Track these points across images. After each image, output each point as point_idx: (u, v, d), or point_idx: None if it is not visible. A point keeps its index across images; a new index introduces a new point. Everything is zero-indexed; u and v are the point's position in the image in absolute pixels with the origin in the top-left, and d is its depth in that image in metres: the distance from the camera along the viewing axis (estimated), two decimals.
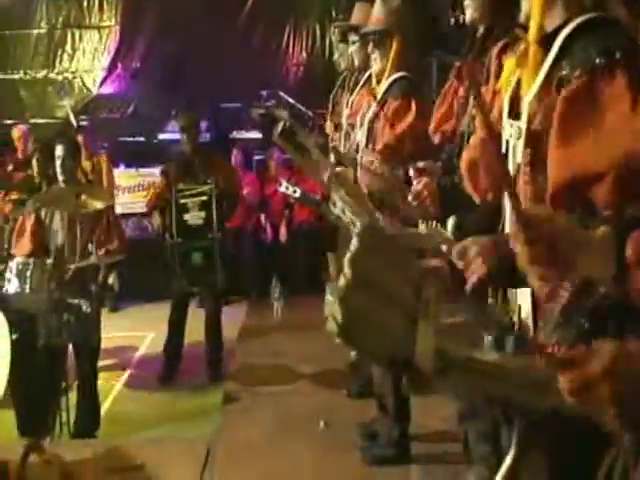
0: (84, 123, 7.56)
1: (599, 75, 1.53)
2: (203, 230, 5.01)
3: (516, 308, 1.79)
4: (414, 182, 2.59)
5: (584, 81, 1.55)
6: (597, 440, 1.15)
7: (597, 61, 1.53)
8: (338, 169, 3.70)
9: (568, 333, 1.39)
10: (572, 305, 1.26)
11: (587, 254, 1.19)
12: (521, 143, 1.72)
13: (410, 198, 2.53)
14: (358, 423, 3.97)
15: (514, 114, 1.78)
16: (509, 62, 1.88)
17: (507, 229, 1.80)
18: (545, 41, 1.68)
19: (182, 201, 5.03)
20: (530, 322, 1.71)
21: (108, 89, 9.14)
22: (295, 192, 4.06)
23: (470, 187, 2.06)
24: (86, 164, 6.88)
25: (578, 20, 1.63)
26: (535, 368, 1.12)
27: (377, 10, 3.49)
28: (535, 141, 1.68)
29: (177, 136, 5.94)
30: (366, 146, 3.61)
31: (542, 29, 1.68)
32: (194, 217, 5.01)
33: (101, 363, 4.40)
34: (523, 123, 1.71)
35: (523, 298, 1.76)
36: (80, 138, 6.82)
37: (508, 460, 1.45)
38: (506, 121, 1.80)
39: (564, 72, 1.60)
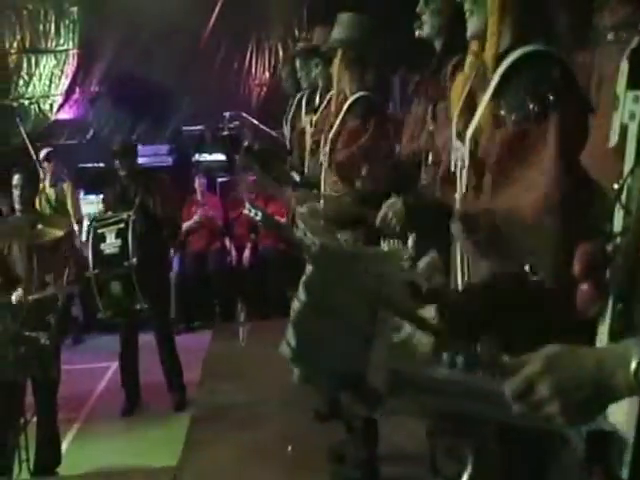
0: (48, 149, 7.48)
1: (532, 122, 1.60)
2: (119, 258, 4.97)
3: None
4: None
5: (519, 127, 1.62)
6: (550, 452, 1.18)
7: (531, 107, 1.59)
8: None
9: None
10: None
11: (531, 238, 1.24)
12: (465, 169, 1.78)
13: (377, 221, 2.57)
14: (327, 445, 3.96)
15: (462, 135, 1.83)
16: (456, 83, 1.94)
17: None
18: (498, 62, 1.73)
19: (99, 231, 5.04)
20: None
21: (66, 115, 9.10)
22: (257, 215, 4.09)
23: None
24: (50, 192, 6.85)
25: (518, 52, 1.68)
26: (485, 384, 1.15)
27: (334, 31, 3.56)
28: (477, 168, 1.74)
29: (139, 160, 5.95)
30: (329, 166, 3.64)
31: (496, 52, 1.73)
32: (110, 246, 4.99)
33: (62, 396, 4.34)
34: (467, 150, 1.77)
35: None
36: (47, 165, 6.80)
37: (465, 477, 1.47)
38: (455, 141, 1.85)
39: (501, 112, 1.65)
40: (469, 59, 1.85)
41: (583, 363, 1.04)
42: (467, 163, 1.77)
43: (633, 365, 0.99)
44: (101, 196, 7.64)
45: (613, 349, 1.07)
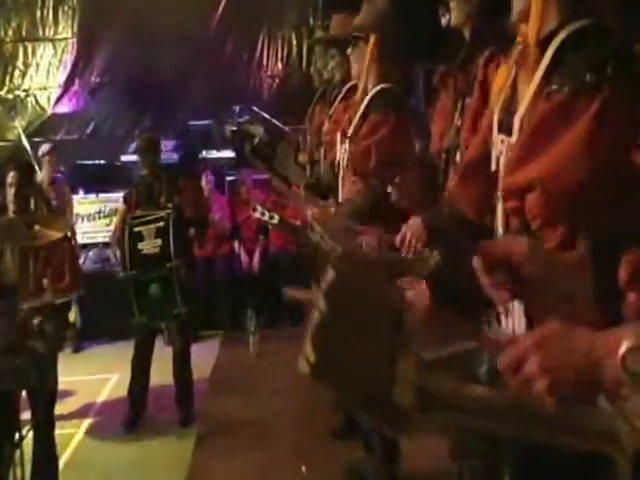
0: (50, 144, 7.50)
1: (582, 93, 1.57)
2: (160, 259, 4.94)
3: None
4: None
5: (566, 96, 1.59)
6: (589, 472, 1.17)
7: (587, 78, 1.56)
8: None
9: None
10: None
11: (561, 274, 1.23)
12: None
13: (397, 242, 2.58)
14: (344, 464, 3.94)
15: (505, 128, 1.79)
16: (499, 75, 1.90)
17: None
18: (542, 45, 1.70)
19: (136, 229, 4.99)
20: None
21: (64, 108, 9.13)
22: (272, 219, 4.01)
23: (464, 204, 2.07)
24: (49, 190, 6.87)
25: (570, 28, 1.65)
26: (523, 401, 1.13)
27: (357, 18, 3.55)
28: None
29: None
30: (347, 165, 3.62)
31: (540, 31, 1.70)
32: (149, 246, 4.96)
33: (60, 409, 4.34)
34: (514, 139, 1.73)
35: (518, 324, 1.78)
36: (47, 159, 6.82)
37: None
38: (497, 136, 1.82)
39: (554, 87, 1.62)
40: (517, 43, 1.81)
41: (576, 345, 1.03)
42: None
43: (622, 350, 0.97)
44: (101, 195, 7.77)
45: (610, 334, 1.03)
